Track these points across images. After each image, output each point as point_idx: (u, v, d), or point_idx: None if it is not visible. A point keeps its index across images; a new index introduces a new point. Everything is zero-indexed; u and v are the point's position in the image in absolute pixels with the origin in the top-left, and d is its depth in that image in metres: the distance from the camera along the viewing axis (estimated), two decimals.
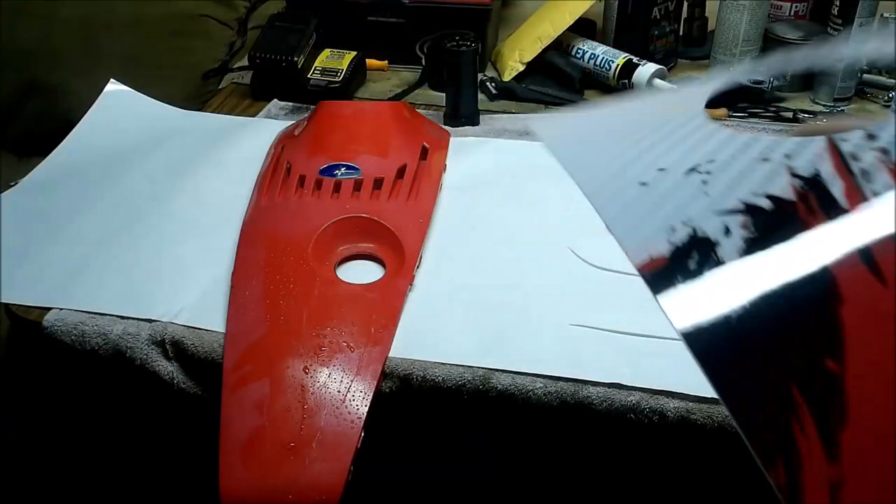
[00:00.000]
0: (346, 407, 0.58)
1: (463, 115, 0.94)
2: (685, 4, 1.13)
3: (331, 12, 1.07)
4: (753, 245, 0.29)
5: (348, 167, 0.77)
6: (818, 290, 0.29)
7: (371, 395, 0.59)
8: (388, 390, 0.61)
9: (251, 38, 1.15)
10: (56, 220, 0.79)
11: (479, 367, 0.61)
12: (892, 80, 1.04)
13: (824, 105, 1.01)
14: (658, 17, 1.06)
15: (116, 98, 1.00)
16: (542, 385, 0.60)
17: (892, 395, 0.27)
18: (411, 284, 0.68)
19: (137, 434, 0.72)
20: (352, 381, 0.60)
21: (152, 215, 0.79)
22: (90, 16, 1.10)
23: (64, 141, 0.93)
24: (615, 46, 1.06)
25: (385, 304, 0.66)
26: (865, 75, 1.03)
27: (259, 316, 0.64)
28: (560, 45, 1.07)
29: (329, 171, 0.77)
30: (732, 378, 0.28)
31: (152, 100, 1.01)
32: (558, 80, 1.06)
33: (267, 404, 0.58)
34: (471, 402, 0.61)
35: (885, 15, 1.14)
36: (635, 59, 1.02)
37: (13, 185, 0.85)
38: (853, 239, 0.29)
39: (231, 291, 0.67)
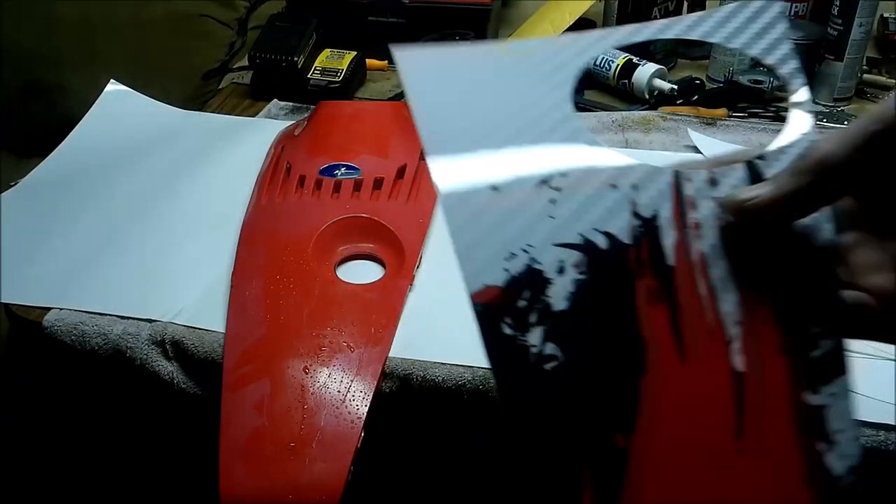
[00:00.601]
0: (346, 407, 0.58)
1: None
2: (685, 4, 1.13)
3: (331, 12, 1.07)
4: (581, 291, 0.31)
5: (348, 167, 0.77)
6: (627, 357, 0.31)
7: (371, 395, 0.59)
8: (388, 390, 0.61)
9: (251, 38, 1.15)
10: (56, 220, 0.79)
11: (479, 367, 0.61)
12: (893, 80, 1.04)
13: (824, 105, 1.01)
14: (658, 17, 1.07)
15: (116, 98, 1.00)
16: None
17: (671, 467, 0.30)
18: (411, 284, 0.68)
19: (137, 434, 0.72)
20: (352, 381, 0.60)
21: (152, 215, 0.79)
22: (90, 16, 1.10)
23: (64, 141, 0.93)
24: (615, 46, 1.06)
25: (385, 304, 0.66)
26: (865, 75, 1.04)
27: (259, 316, 0.64)
28: None
29: (329, 171, 0.77)
30: (536, 449, 0.30)
31: (152, 100, 1.01)
32: None
33: (267, 404, 0.58)
34: (471, 402, 0.61)
35: (885, 15, 1.14)
36: (635, 59, 1.02)
37: (13, 185, 0.85)
38: (671, 307, 0.31)
39: (231, 291, 0.67)
